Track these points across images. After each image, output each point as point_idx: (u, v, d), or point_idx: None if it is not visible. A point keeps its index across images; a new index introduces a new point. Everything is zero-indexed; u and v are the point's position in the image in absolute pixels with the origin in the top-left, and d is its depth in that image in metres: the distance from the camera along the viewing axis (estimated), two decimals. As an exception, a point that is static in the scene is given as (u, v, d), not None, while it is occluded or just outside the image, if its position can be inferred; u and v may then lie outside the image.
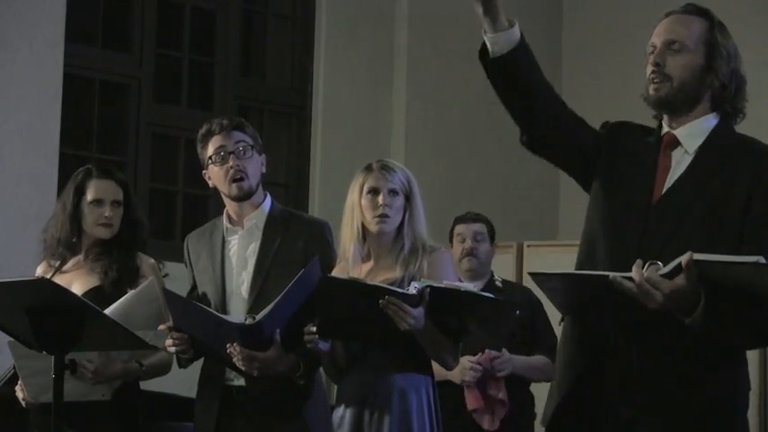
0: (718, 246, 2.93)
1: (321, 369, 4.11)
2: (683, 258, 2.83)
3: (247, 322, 3.85)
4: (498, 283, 5.43)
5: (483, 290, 5.30)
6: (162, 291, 4.02)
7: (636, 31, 8.32)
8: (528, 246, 6.98)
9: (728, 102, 3.13)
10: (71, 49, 6.55)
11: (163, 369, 4.33)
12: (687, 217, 3.02)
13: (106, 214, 4.31)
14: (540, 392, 5.58)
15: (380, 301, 3.61)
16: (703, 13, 3.16)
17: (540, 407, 5.57)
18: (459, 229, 5.44)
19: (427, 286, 3.65)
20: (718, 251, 2.88)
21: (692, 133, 3.11)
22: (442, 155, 7.77)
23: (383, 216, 3.91)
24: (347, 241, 3.97)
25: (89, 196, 4.34)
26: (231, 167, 4.12)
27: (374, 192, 3.93)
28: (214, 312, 3.96)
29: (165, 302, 3.98)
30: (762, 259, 2.75)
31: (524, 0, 7.88)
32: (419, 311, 3.63)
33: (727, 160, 3.07)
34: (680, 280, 2.84)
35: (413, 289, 3.65)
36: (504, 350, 5.21)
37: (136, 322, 3.91)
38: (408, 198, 3.96)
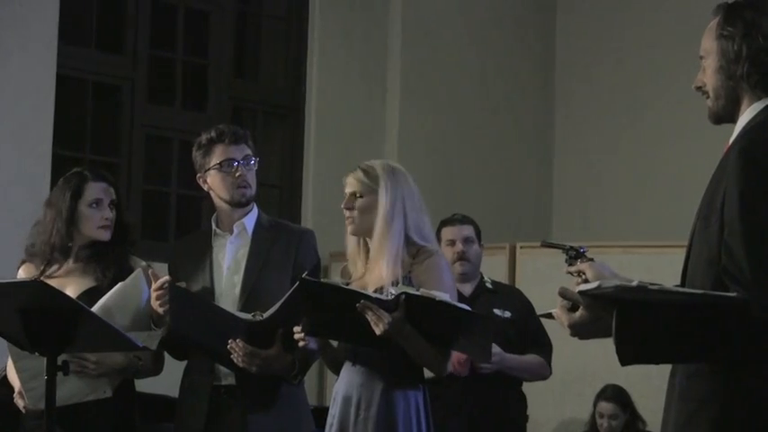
0: (711, 258, 2.77)
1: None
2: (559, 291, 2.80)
3: (256, 319, 3.98)
4: (489, 285, 5.36)
5: (474, 292, 5.29)
6: (169, 285, 4.07)
7: (629, 30, 8.42)
8: (521, 247, 6.96)
9: (760, 84, 2.86)
10: (64, 50, 6.54)
11: (158, 364, 4.34)
12: (695, 231, 2.85)
13: (106, 216, 4.32)
14: (533, 394, 5.61)
15: (357, 305, 3.64)
16: (717, 10, 2.95)
17: (532, 408, 5.58)
18: (448, 232, 5.30)
19: (403, 293, 3.66)
20: (710, 264, 2.74)
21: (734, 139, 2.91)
22: (435, 155, 7.77)
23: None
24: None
25: (88, 198, 4.32)
26: (239, 176, 4.27)
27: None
28: (222, 307, 4.10)
29: (168, 297, 4.04)
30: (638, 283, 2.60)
31: None
32: (395, 317, 3.64)
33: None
34: (581, 311, 2.78)
35: (390, 294, 3.67)
36: (494, 345, 5.16)
37: (120, 317, 3.96)
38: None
